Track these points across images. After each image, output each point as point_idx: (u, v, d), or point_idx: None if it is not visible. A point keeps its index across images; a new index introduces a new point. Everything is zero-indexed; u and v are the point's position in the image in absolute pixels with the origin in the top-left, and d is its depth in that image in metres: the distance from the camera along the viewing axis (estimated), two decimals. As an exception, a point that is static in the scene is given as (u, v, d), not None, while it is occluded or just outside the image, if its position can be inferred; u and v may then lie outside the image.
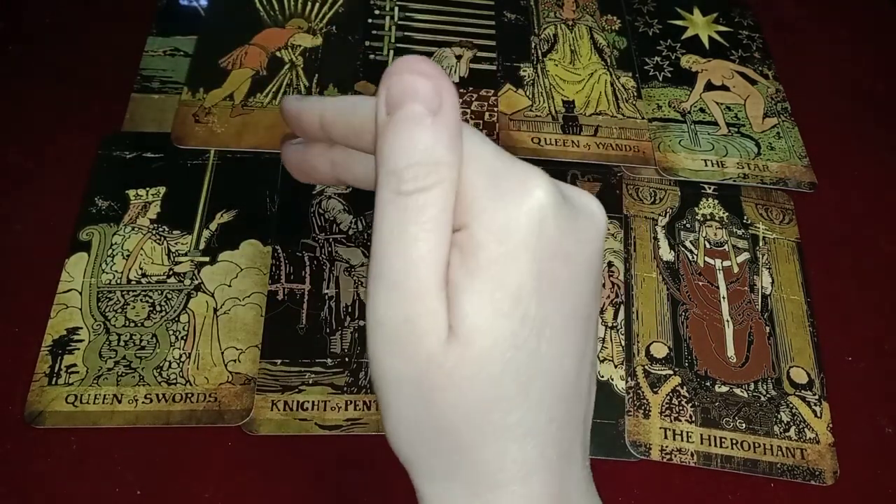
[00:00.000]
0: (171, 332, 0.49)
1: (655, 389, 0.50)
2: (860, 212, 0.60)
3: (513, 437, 0.25)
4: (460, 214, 0.23)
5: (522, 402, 0.24)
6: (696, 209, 0.58)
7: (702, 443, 0.48)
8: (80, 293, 0.50)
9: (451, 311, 0.23)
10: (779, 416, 0.49)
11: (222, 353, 0.48)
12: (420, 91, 0.22)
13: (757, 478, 0.47)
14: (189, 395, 0.47)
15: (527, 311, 0.23)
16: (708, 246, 0.56)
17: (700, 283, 0.54)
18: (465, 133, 0.23)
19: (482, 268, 0.23)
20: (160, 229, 0.53)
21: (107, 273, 0.51)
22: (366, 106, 0.25)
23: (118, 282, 0.50)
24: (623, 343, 0.51)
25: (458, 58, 0.64)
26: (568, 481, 0.26)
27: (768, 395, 0.50)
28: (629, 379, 0.50)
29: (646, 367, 0.50)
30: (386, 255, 0.22)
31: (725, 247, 0.56)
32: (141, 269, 0.51)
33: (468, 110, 0.61)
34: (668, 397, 0.49)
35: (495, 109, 0.61)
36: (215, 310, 0.50)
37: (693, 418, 0.49)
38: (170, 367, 0.48)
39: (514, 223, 0.23)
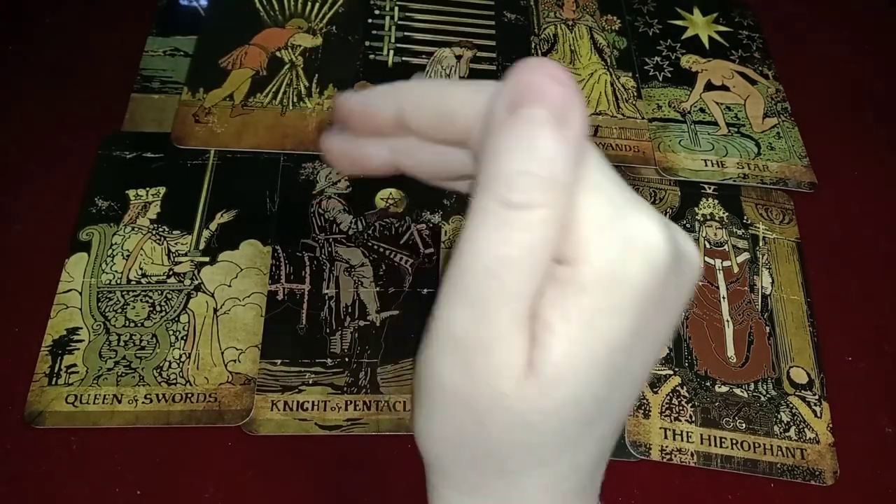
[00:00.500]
0: (171, 333, 0.49)
1: (655, 389, 0.50)
2: (860, 212, 0.60)
3: (558, 475, 0.24)
4: (568, 247, 0.20)
5: (581, 446, 0.24)
6: (696, 209, 0.58)
7: (702, 443, 0.48)
8: (80, 293, 0.50)
9: (537, 349, 0.20)
10: (779, 416, 0.49)
11: (222, 353, 0.48)
12: (551, 96, 0.20)
13: (757, 478, 0.47)
14: (189, 396, 0.47)
15: (615, 365, 0.21)
16: (708, 246, 0.56)
17: (700, 283, 0.54)
18: (587, 154, 0.21)
19: (583, 315, 0.20)
20: (160, 229, 0.53)
21: (107, 273, 0.51)
22: (465, 92, 0.22)
23: (118, 282, 0.50)
24: (623, 343, 0.51)
25: (458, 58, 0.64)
26: None
27: (768, 395, 0.50)
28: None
29: (646, 367, 0.50)
30: (474, 271, 0.20)
31: (725, 247, 0.56)
32: (141, 269, 0.51)
33: (468, 110, 0.61)
34: (668, 397, 0.49)
35: (495, 109, 0.61)
36: (215, 310, 0.50)
37: (693, 418, 0.49)
38: (170, 367, 0.48)
39: (630, 277, 0.20)
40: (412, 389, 0.25)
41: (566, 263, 0.20)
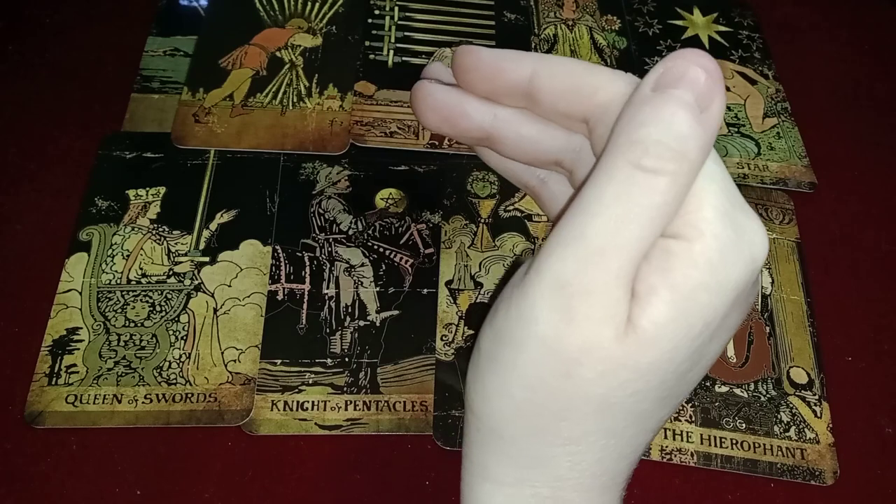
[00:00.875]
0: (171, 333, 0.49)
1: (655, 389, 0.50)
2: (860, 212, 0.60)
3: (619, 446, 0.24)
4: (681, 225, 0.22)
5: (647, 420, 0.24)
6: (696, 209, 0.58)
7: (702, 443, 0.48)
8: (80, 293, 0.50)
9: (639, 307, 0.21)
10: (779, 417, 0.49)
11: (222, 353, 0.48)
12: (697, 82, 0.22)
13: (757, 478, 0.47)
14: (189, 396, 0.47)
15: (703, 344, 0.23)
16: (708, 246, 0.56)
17: (700, 283, 0.54)
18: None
19: (689, 286, 0.21)
20: (160, 229, 0.53)
21: (107, 273, 0.51)
22: (604, 73, 0.24)
23: (118, 282, 0.50)
24: (623, 343, 0.51)
25: (458, 58, 0.64)
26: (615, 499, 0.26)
27: (768, 395, 0.50)
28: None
29: (646, 367, 0.50)
30: (594, 219, 0.21)
31: (725, 247, 0.56)
32: (141, 269, 0.51)
33: (468, 110, 0.61)
34: (668, 397, 0.49)
35: (495, 109, 0.61)
36: (215, 310, 0.50)
37: (693, 418, 0.49)
38: (170, 367, 0.48)
39: (737, 263, 0.22)
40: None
41: (678, 237, 0.22)
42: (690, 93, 0.21)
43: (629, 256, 0.21)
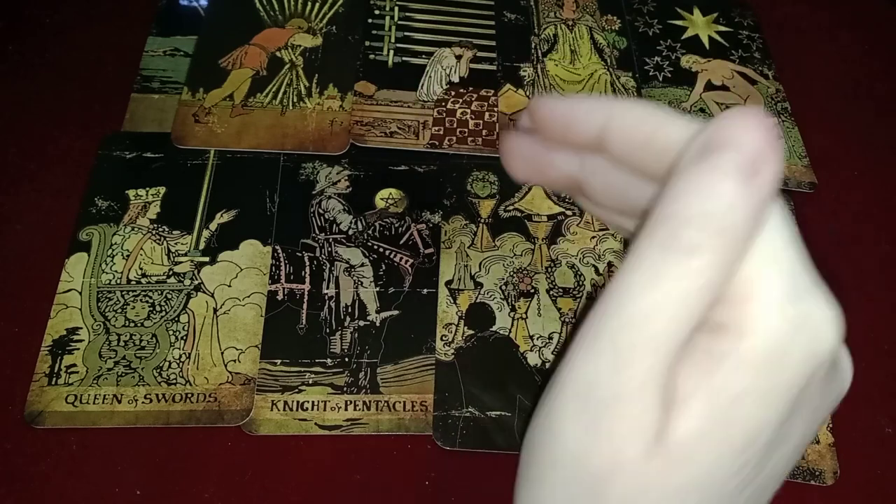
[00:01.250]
0: (170, 333, 0.49)
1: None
2: (860, 212, 0.60)
3: None
4: (727, 310, 0.19)
5: None
6: (696, 209, 0.58)
7: (702, 443, 0.48)
8: (80, 293, 0.50)
9: (671, 416, 0.19)
10: (779, 417, 0.49)
11: (222, 353, 0.48)
12: (747, 144, 0.18)
13: (757, 478, 0.47)
14: (189, 396, 0.47)
15: (750, 460, 0.19)
16: (708, 246, 0.56)
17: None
18: (774, 217, 0.19)
19: (730, 393, 0.18)
20: (160, 229, 0.53)
21: (107, 273, 0.51)
22: (676, 125, 0.20)
23: (118, 282, 0.50)
24: (623, 343, 0.51)
25: (458, 58, 0.64)
26: None
27: (768, 396, 0.50)
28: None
29: (646, 367, 0.50)
30: (619, 316, 0.19)
31: (725, 247, 0.56)
32: (141, 269, 0.51)
33: (468, 110, 0.61)
34: (668, 397, 0.49)
35: (495, 109, 0.61)
36: (215, 310, 0.50)
37: (693, 418, 0.49)
38: (169, 367, 0.48)
39: (790, 364, 0.19)
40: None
41: (722, 331, 0.19)
42: (739, 156, 0.18)
43: (661, 355, 0.18)
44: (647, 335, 0.18)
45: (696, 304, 0.18)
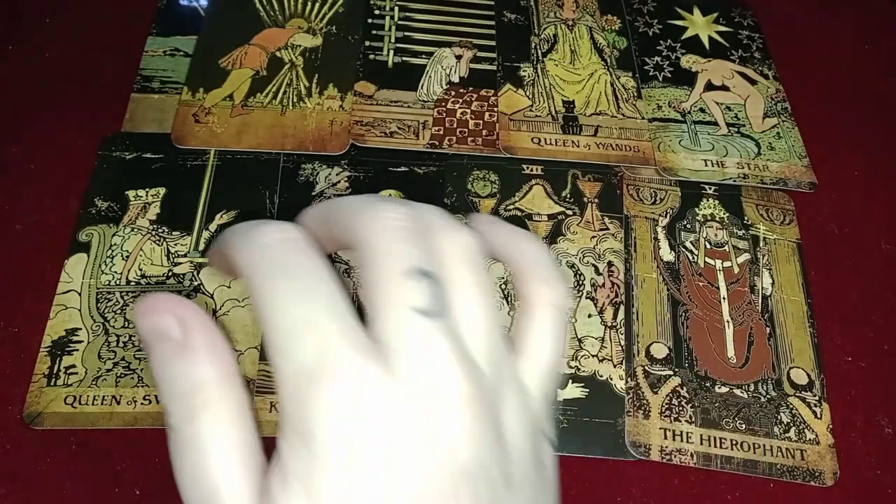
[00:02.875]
0: (170, 333, 0.49)
1: (655, 390, 0.50)
2: (860, 212, 0.60)
3: None
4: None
5: None
6: (696, 210, 0.58)
7: (702, 443, 0.48)
8: (80, 294, 0.50)
9: None
10: (779, 417, 0.49)
11: (222, 353, 0.48)
12: (161, 327, 0.23)
13: (756, 478, 0.47)
14: (188, 396, 0.46)
15: None
16: (708, 246, 0.56)
17: (700, 284, 0.54)
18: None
19: (292, 479, 0.21)
20: (160, 230, 0.53)
21: (106, 274, 0.51)
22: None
23: (117, 283, 0.50)
24: (623, 343, 0.51)
25: (458, 58, 0.64)
26: None
27: (768, 396, 0.50)
28: (629, 379, 0.50)
29: (646, 367, 0.50)
30: (186, 494, 0.22)
31: (726, 247, 0.56)
32: (140, 270, 0.51)
33: (468, 110, 0.61)
34: (668, 398, 0.49)
35: (495, 109, 0.61)
36: (214, 311, 0.50)
37: (693, 419, 0.49)
38: (169, 367, 0.47)
39: (314, 420, 0.21)
40: None
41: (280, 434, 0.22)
42: (166, 341, 0.24)
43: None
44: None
45: (230, 447, 0.22)
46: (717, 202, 0.58)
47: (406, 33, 0.66)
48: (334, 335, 0.23)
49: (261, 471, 0.22)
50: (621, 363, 0.50)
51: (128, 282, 0.51)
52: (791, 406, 0.50)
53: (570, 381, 0.49)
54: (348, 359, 0.22)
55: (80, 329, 0.48)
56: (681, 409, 0.49)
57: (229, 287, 0.51)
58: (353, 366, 0.22)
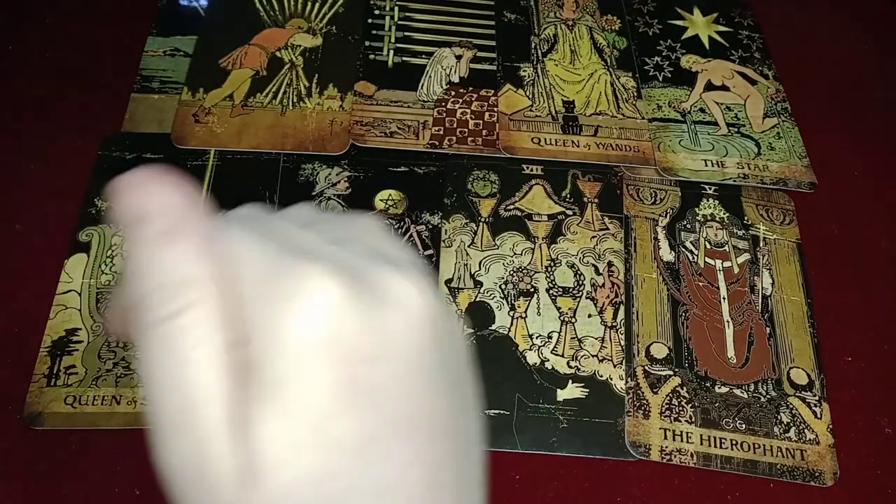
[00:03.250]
0: (170, 333, 0.49)
1: (655, 390, 0.50)
2: (860, 212, 0.60)
3: None
4: (238, 330, 0.20)
5: None
6: (696, 210, 0.58)
7: (701, 443, 0.48)
8: (80, 294, 0.50)
9: (247, 447, 0.19)
10: (779, 417, 0.49)
11: (222, 353, 0.48)
12: (150, 210, 0.20)
13: (756, 478, 0.47)
14: (188, 396, 0.46)
15: (332, 435, 0.20)
16: (708, 246, 0.56)
17: (700, 284, 0.54)
18: (234, 236, 0.21)
19: (268, 391, 0.20)
20: (160, 230, 0.53)
21: (106, 274, 0.51)
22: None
23: (118, 283, 0.50)
24: (623, 343, 0.51)
25: (458, 58, 0.64)
26: None
27: (768, 396, 0.50)
28: (629, 379, 0.50)
29: (646, 367, 0.50)
30: (160, 395, 0.20)
31: (726, 247, 0.56)
32: (140, 269, 0.51)
33: (468, 110, 0.61)
34: (668, 398, 0.49)
35: (495, 109, 0.61)
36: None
37: (693, 419, 0.49)
38: (169, 367, 0.47)
39: (293, 334, 0.19)
40: None
41: (244, 345, 0.20)
42: (153, 224, 0.20)
43: (212, 411, 0.19)
44: (191, 401, 0.19)
45: (211, 347, 0.19)
46: (717, 202, 0.58)
47: (406, 33, 0.66)
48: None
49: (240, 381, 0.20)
50: (621, 363, 0.50)
51: (128, 282, 0.50)
52: (791, 406, 0.50)
53: (570, 381, 0.49)
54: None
55: (80, 329, 0.48)
56: (681, 409, 0.49)
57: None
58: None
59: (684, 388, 0.50)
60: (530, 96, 0.62)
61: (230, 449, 0.20)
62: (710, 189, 0.59)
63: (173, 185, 0.21)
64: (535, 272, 0.54)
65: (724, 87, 0.66)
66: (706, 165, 0.60)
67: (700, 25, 0.70)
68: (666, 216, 0.57)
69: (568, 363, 0.50)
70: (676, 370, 0.50)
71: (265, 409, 0.19)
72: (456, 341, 0.23)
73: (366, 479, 0.21)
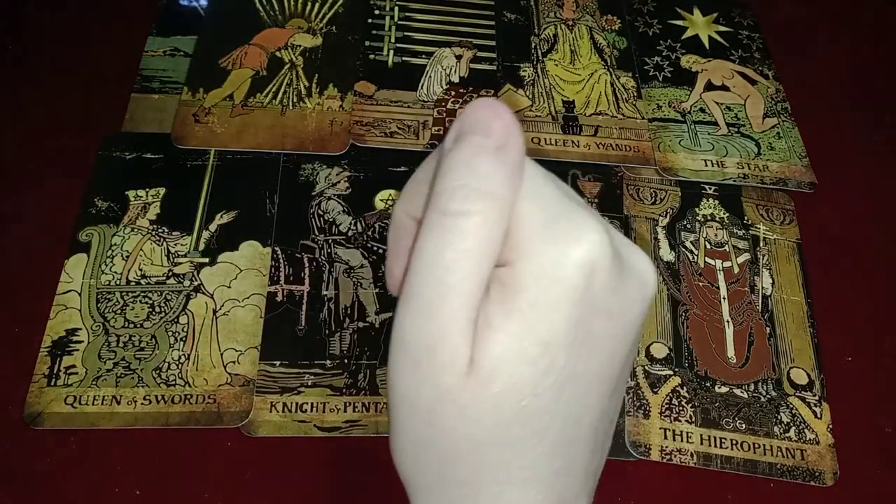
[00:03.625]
0: (170, 334, 0.49)
1: (655, 390, 0.50)
2: (860, 212, 0.60)
3: (516, 481, 0.25)
4: (508, 251, 0.23)
5: (531, 449, 0.24)
6: (696, 210, 0.58)
7: (702, 443, 0.48)
8: (80, 294, 0.50)
9: (477, 345, 0.22)
10: (779, 417, 0.49)
11: (221, 354, 0.48)
12: (491, 126, 0.23)
13: (757, 478, 0.47)
14: (188, 397, 0.46)
15: (553, 363, 0.23)
16: (708, 246, 0.56)
17: (700, 284, 0.54)
18: (529, 170, 0.24)
19: (518, 310, 0.22)
20: (160, 230, 0.53)
21: (106, 274, 0.51)
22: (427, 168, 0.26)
23: (117, 283, 0.50)
24: (623, 344, 0.51)
25: (458, 58, 0.64)
26: None
27: (768, 396, 0.50)
28: (629, 379, 0.50)
29: (646, 367, 0.50)
30: (420, 276, 0.23)
31: (726, 247, 0.56)
32: (140, 270, 0.51)
33: (468, 110, 0.61)
34: (668, 398, 0.49)
35: (495, 109, 0.61)
36: (214, 311, 0.50)
37: (693, 419, 0.49)
38: (169, 368, 0.47)
39: (561, 271, 0.22)
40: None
41: (507, 264, 0.23)
42: (485, 136, 0.23)
43: (461, 302, 0.22)
44: (441, 288, 0.22)
45: (482, 254, 0.22)
46: (717, 202, 0.58)
47: (406, 33, 0.66)
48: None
49: (480, 295, 0.23)
50: (621, 363, 0.50)
51: (128, 282, 0.51)
52: (791, 406, 0.50)
53: (570, 381, 0.49)
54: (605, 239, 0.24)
55: (80, 329, 0.48)
56: (681, 408, 0.49)
57: (230, 287, 0.51)
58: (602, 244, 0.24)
59: (684, 388, 0.50)
60: (530, 96, 0.62)
61: (467, 339, 0.22)
62: (710, 189, 0.59)
63: (515, 121, 0.24)
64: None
65: (724, 87, 0.66)
66: (706, 165, 0.60)
67: (700, 25, 0.70)
68: (666, 216, 0.57)
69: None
70: (676, 370, 0.50)
71: (508, 318, 0.22)
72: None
73: (556, 408, 0.24)
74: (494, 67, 0.64)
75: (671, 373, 0.50)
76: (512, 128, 0.23)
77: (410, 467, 0.26)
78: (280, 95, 0.60)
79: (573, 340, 0.23)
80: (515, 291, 0.22)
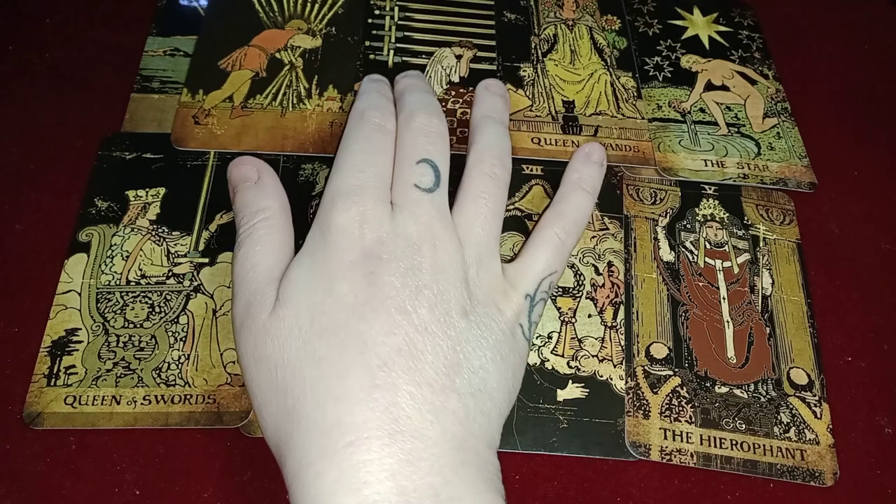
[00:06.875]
0: (170, 334, 0.49)
1: (655, 390, 0.50)
2: (860, 212, 0.60)
3: (335, 395, 0.31)
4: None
5: (342, 365, 0.32)
6: (696, 210, 0.58)
7: (701, 444, 0.48)
8: (80, 294, 0.50)
9: (281, 287, 0.36)
10: (779, 418, 0.49)
11: (221, 354, 0.48)
12: (246, 174, 0.45)
13: (756, 479, 0.47)
14: (188, 397, 0.46)
15: (336, 289, 0.35)
16: (708, 247, 0.56)
17: (700, 284, 0.54)
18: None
19: (304, 254, 0.37)
20: (160, 230, 0.53)
21: (106, 274, 0.51)
22: None
23: (117, 283, 0.50)
24: (623, 343, 0.51)
25: (458, 58, 0.64)
26: (419, 445, 0.31)
27: (768, 396, 0.50)
28: (629, 379, 0.50)
29: (646, 367, 0.50)
30: (235, 267, 0.40)
31: (726, 247, 0.56)
32: (140, 270, 0.51)
33: (469, 110, 0.61)
34: (668, 398, 0.49)
35: (495, 110, 0.61)
36: (214, 311, 0.50)
37: (693, 419, 0.49)
38: (168, 368, 0.48)
39: (331, 224, 0.38)
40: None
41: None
42: (246, 180, 0.45)
43: (261, 271, 0.39)
44: (247, 271, 0.41)
45: (269, 244, 0.42)
46: (717, 202, 0.58)
47: (406, 33, 0.66)
48: (370, 182, 0.38)
49: (281, 266, 0.38)
50: (621, 363, 0.50)
51: (128, 282, 0.51)
52: (791, 406, 0.50)
53: (571, 381, 0.49)
54: (371, 196, 0.37)
55: (80, 329, 0.48)
56: (681, 409, 0.49)
57: (230, 287, 0.51)
58: (372, 200, 0.37)
59: (684, 388, 0.50)
60: (530, 96, 0.62)
61: (270, 291, 0.37)
62: (709, 189, 0.59)
63: (255, 161, 0.46)
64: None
65: (724, 87, 0.66)
66: (706, 165, 0.60)
67: (700, 25, 0.70)
68: (666, 216, 0.57)
69: (568, 363, 0.50)
70: (676, 370, 0.50)
71: (298, 263, 0.37)
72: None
73: (351, 326, 0.32)
74: (494, 67, 0.64)
75: (671, 373, 0.50)
76: (260, 166, 0.45)
77: (272, 429, 0.34)
78: (280, 97, 0.60)
79: (354, 272, 0.35)
80: (305, 242, 0.38)
